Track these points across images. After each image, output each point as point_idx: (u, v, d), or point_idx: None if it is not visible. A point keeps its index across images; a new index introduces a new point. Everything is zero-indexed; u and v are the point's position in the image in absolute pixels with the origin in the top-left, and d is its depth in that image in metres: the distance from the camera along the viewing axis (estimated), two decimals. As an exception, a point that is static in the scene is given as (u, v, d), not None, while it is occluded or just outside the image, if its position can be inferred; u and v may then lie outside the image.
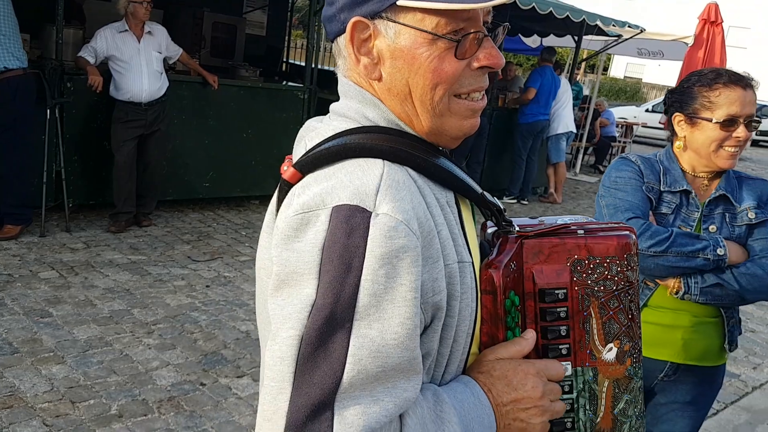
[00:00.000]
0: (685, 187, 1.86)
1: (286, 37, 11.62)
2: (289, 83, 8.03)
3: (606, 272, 0.99)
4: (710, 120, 1.79)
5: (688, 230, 1.83)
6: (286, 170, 0.88)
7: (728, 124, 1.78)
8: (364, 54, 0.88)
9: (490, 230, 1.03)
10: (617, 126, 12.89)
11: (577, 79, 12.02)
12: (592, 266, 0.99)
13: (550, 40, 10.27)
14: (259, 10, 9.95)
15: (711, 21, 9.27)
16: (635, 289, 1.01)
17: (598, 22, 8.14)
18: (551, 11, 7.16)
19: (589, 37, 9.37)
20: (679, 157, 1.91)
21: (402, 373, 0.77)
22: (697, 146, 1.84)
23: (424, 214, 0.83)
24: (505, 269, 0.93)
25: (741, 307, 1.98)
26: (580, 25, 8.21)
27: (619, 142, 12.77)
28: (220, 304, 4.12)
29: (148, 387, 3.11)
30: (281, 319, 0.77)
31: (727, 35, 9.55)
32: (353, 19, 0.85)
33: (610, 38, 9.49)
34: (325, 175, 0.83)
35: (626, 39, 9.34)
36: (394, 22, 0.85)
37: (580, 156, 11.54)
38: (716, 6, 9.36)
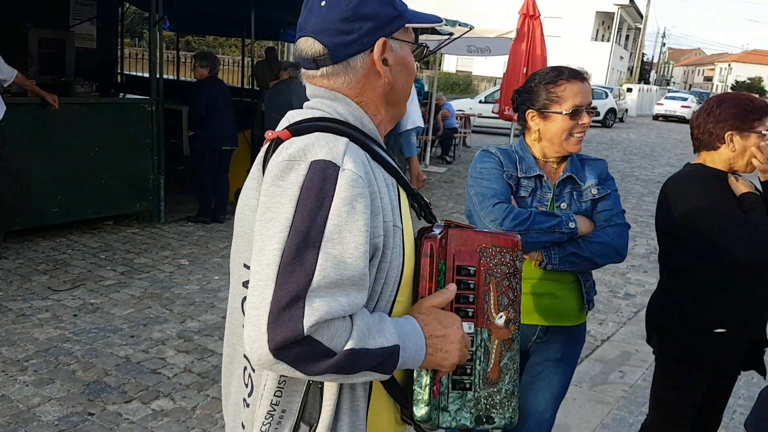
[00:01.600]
0: (538, 173, 2.11)
1: (119, 49, 11.08)
2: (128, 95, 7.71)
3: (503, 259, 1.32)
4: (560, 112, 2.03)
5: (544, 209, 2.08)
6: (280, 131, 1.16)
7: (575, 114, 2.03)
8: (384, 64, 1.19)
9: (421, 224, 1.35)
10: (457, 118, 13.72)
11: (417, 76, 12.63)
12: (493, 254, 1.32)
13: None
14: (87, 23, 9.41)
15: (530, 15, 10.08)
16: (520, 275, 1.34)
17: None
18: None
19: (424, 36, 9.87)
20: (531, 147, 2.15)
21: (355, 285, 1.03)
22: (551, 136, 2.07)
23: (372, 180, 1.12)
24: (439, 242, 1.26)
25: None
26: (415, 25, 8.64)
27: (460, 132, 13.61)
28: (92, 333, 3.95)
29: (34, 425, 2.96)
30: (267, 236, 1.03)
31: (543, 26, 10.44)
32: (382, 40, 1.18)
33: (443, 36, 10.06)
34: (307, 137, 1.12)
35: (457, 37, 9.87)
36: (397, 39, 1.21)
37: (428, 148, 12.15)
38: (533, 0, 10.21)
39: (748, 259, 2.04)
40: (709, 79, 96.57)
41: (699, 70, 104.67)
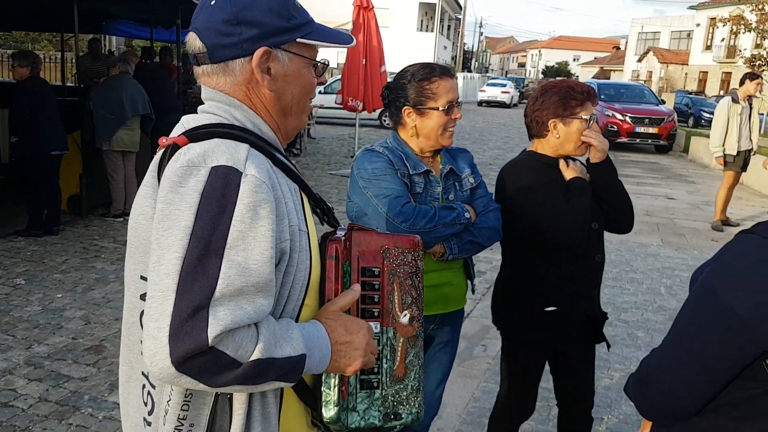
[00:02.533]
0: (426, 168, 2.18)
1: None
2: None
3: (405, 259, 1.37)
4: (436, 108, 2.10)
5: (437, 203, 2.16)
6: (176, 137, 1.13)
7: (449, 109, 2.12)
8: (264, 72, 1.18)
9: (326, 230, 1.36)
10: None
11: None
12: (396, 254, 1.36)
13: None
14: None
15: (364, 6, 10.28)
16: (422, 273, 1.40)
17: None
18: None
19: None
20: (408, 142, 2.20)
21: (260, 291, 1.03)
22: (428, 131, 2.14)
23: (275, 185, 1.12)
24: (344, 245, 1.28)
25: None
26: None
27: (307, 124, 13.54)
28: None
29: None
30: (165, 245, 1.01)
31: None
32: (262, 50, 1.16)
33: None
34: (207, 143, 1.09)
35: None
36: (288, 51, 1.20)
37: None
38: (365, -9, 10.39)
39: (566, 242, 2.22)
40: (522, 65, 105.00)
41: (513, 57, 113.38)
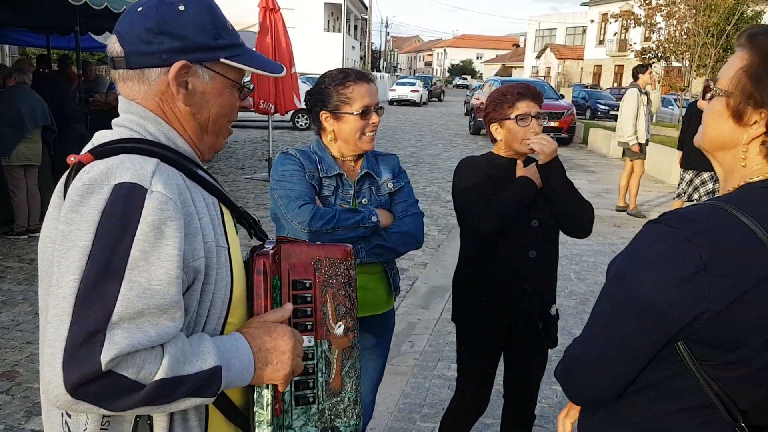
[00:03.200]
0: (338, 171, 2.20)
1: None
2: None
3: (337, 269, 1.36)
4: (352, 113, 2.13)
5: (347, 206, 2.18)
6: (82, 155, 1.09)
7: (365, 113, 2.13)
8: (181, 86, 1.16)
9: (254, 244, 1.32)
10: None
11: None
12: (328, 265, 1.34)
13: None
14: None
15: (270, 8, 10.15)
16: (355, 283, 1.39)
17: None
18: (125, 9, 7.01)
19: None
20: (329, 147, 2.22)
21: (165, 313, 1.00)
22: (345, 136, 2.16)
23: (187, 201, 1.09)
24: (272, 258, 1.24)
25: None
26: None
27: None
28: None
29: None
30: (64, 267, 0.98)
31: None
32: (180, 63, 1.14)
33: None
34: (111, 160, 1.06)
35: (134, 3, 9.52)
36: (211, 70, 1.18)
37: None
38: (272, -7, 10.27)
39: (476, 230, 2.35)
40: (429, 64, 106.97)
41: (420, 56, 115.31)
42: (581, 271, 6.10)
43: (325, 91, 2.16)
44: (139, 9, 1.16)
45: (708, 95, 1.17)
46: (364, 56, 53.22)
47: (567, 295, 5.42)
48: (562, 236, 2.48)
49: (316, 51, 38.44)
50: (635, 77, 8.44)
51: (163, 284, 0.99)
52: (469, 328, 2.50)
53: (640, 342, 1.10)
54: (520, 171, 2.38)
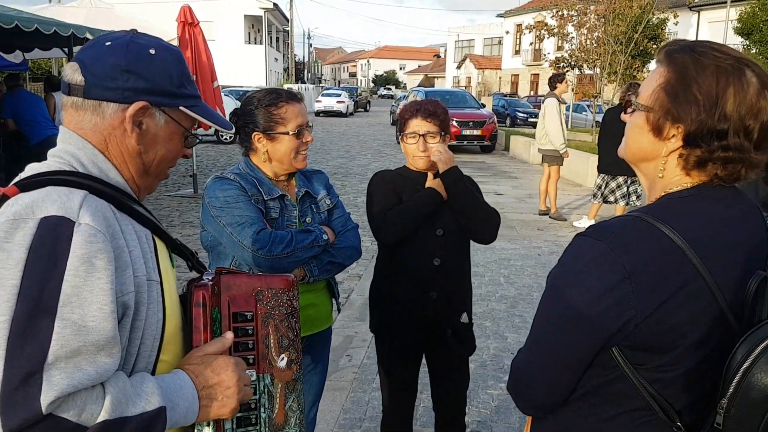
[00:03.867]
0: (281, 193, 2.18)
1: None
2: None
3: (280, 300, 1.33)
4: (287, 133, 2.13)
5: (293, 227, 2.18)
6: (7, 187, 1.06)
7: (299, 133, 2.15)
8: (135, 125, 1.15)
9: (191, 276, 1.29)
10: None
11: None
12: (270, 296, 1.31)
13: (36, 54, 9.59)
14: None
15: (189, 23, 9.97)
16: (298, 313, 1.36)
17: (87, 35, 8.09)
18: (37, 28, 6.77)
19: (79, 47, 9.12)
20: (261, 167, 2.19)
21: (102, 349, 0.97)
22: (280, 156, 2.15)
23: (116, 233, 1.06)
24: (211, 290, 1.21)
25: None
26: (68, 39, 7.97)
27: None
28: None
29: None
30: None
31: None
32: (142, 103, 1.14)
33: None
34: (37, 193, 1.03)
35: (100, 36, 9.37)
36: (167, 115, 1.20)
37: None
38: (189, 8, 10.07)
39: (379, 241, 2.43)
40: (353, 74, 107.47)
41: (344, 67, 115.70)
42: (510, 275, 6.29)
43: (255, 112, 2.14)
44: (108, 43, 1.16)
45: (629, 109, 1.23)
46: (288, 68, 52.92)
47: (498, 299, 5.58)
48: (495, 243, 2.56)
49: (238, 63, 37.97)
50: (552, 87, 8.81)
51: (97, 320, 0.97)
52: (384, 338, 2.55)
53: (574, 350, 1.15)
54: (429, 183, 2.44)
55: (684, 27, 28.23)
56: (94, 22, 9.20)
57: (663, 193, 1.18)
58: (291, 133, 2.14)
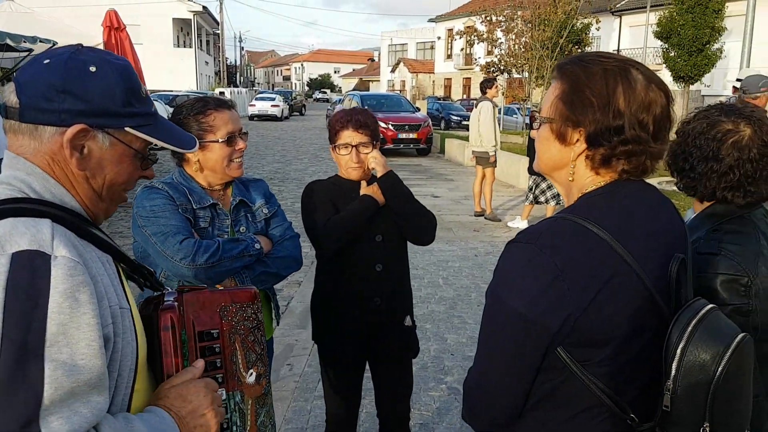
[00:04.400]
0: (212, 202, 2.14)
1: None
2: None
3: (245, 314, 1.30)
4: (217, 141, 2.08)
5: (226, 236, 2.14)
6: None
7: (230, 140, 2.10)
8: (75, 149, 1.08)
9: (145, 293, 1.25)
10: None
11: None
12: (234, 310, 1.29)
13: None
14: None
15: (114, 27, 9.69)
16: (263, 326, 1.34)
17: (8, 41, 7.77)
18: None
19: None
20: (194, 177, 2.15)
21: (94, 388, 0.94)
22: (212, 165, 2.11)
23: (87, 262, 1.00)
24: (177, 311, 1.18)
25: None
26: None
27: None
28: None
29: None
30: None
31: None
32: (79, 126, 1.06)
33: (22, 53, 8.99)
34: (1, 227, 0.95)
35: (39, 54, 8.99)
36: (112, 136, 1.11)
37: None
38: (115, 12, 9.79)
39: (323, 251, 2.43)
40: (287, 78, 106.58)
41: (278, 71, 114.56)
42: (448, 276, 6.38)
43: (185, 122, 2.10)
44: (46, 61, 1.07)
45: (536, 124, 1.31)
46: (220, 71, 51.94)
47: (437, 300, 5.65)
48: (431, 245, 2.60)
49: (168, 67, 37.05)
50: (483, 91, 9.02)
51: (87, 358, 0.92)
52: (327, 347, 2.55)
53: (521, 355, 1.18)
54: (363, 190, 2.45)
55: (606, 31, 29.45)
56: (15, 27, 8.79)
57: (580, 194, 1.25)
58: (221, 140, 2.09)
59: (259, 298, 1.34)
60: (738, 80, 6.10)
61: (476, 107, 9.22)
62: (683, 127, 1.66)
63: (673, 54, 21.28)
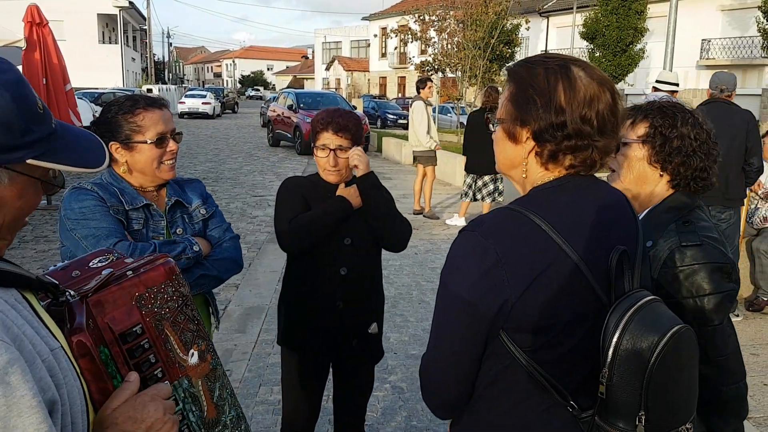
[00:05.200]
0: (145, 202, 2.05)
1: None
2: None
3: (165, 296, 1.18)
4: (145, 142, 1.99)
5: (161, 238, 2.05)
6: None
7: (161, 141, 2.01)
8: None
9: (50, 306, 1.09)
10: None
11: None
12: (152, 296, 1.16)
13: None
14: None
15: (36, 23, 9.23)
16: (190, 299, 1.23)
17: None
18: None
19: None
20: (126, 178, 2.06)
21: None
22: (142, 167, 2.02)
23: (5, 321, 0.86)
24: (88, 329, 1.04)
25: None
26: None
27: None
28: None
29: None
30: None
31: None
32: None
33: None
34: None
35: None
36: (12, 170, 0.96)
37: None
38: (37, 7, 9.33)
39: (287, 251, 2.41)
40: (218, 75, 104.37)
41: (208, 67, 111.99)
42: (389, 275, 6.40)
43: (113, 121, 2.01)
44: None
45: (491, 127, 1.36)
46: (147, 68, 50.37)
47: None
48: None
49: (93, 64, 35.68)
50: (418, 91, 9.11)
51: None
52: (290, 349, 2.51)
53: (464, 338, 1.23)
54: (340, 191, 2.40)
55: (535, 32, 30.30)
56: None
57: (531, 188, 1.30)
58: (150, 141, 2.01)
59: (177, 271, 1.22)
60: (658, 81, 6.40)
61: (411, 107, 9.31)
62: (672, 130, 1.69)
63: (598, 54, 22.09)
